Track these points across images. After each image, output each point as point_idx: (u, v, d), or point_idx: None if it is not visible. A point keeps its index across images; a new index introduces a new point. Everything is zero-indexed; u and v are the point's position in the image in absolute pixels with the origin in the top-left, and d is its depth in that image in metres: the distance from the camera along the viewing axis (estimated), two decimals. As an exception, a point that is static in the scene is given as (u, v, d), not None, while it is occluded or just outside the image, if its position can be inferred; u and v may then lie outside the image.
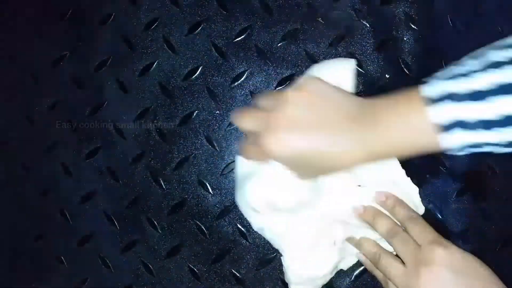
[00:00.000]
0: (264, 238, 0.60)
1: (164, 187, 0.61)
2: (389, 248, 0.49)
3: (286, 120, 0.42)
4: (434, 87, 0.38)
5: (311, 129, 0.41)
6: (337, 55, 0.60)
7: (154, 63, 0.62)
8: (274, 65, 0.61)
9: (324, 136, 0.41)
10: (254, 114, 0.45)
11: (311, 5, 0.60)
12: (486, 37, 0.62)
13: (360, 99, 0.43)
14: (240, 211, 0.60)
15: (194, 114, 0.61)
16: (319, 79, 0.44)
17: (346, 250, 0.52)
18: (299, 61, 0.60)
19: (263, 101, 0.46)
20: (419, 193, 0.51)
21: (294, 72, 0.60)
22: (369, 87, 0.60)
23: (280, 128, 0.42)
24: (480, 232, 0.58)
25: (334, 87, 0.44)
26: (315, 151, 0.41)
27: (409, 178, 0.50)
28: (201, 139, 0.61)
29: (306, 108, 0.42)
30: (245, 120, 0.46)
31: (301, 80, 0.45)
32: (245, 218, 0.60)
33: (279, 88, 0.61)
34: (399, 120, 0.39)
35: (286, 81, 0.60)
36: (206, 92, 0.61)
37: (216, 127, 0.61)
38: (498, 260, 0.58)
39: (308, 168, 0.44)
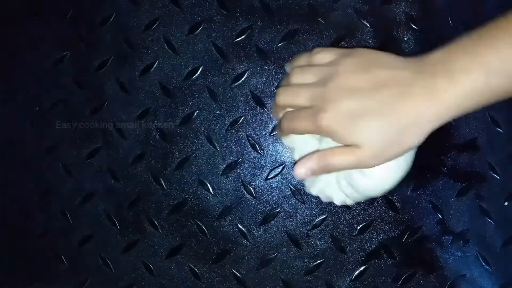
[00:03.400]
0: (265, 238, 0.60)
1: (164, 187, 0.61)
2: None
3: (343, 88, 0.36)
4: None
5: (373, 90, 0.36)
6: (337, 55, 0.60)
7: (154, 63, 0.62)
8: (274, 65, 0.61)
9: (388, 95, 0.36)
10: (302, 88, 0.39)
11: (311, 5, 0.61)
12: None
13: (412, 57, 0.38)
14: (240, 211, 0.61)
15: (195, 114, 0.61)
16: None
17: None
18: (300, 61, 0.60)
19: (304, 72, 0.40)
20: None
21: (294, 72, 0.60)
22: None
23: (338, 97, 0.36)
24: (480, 232, 0.59)
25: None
26: (383, 114, 0.36)
27: None
28: (201, 139, 0.61)
29: (363, 71, 0.37)
30: (291, 97, 0.39)
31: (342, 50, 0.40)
32: (246, 218, 0.61)
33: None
34: (476, 63, 0.34)
35: (286, 81, 0.60)
36: (206, 92, 0.61)
37: (216, 127, 0.61)
38: (498, 260, 0.58)
39: (377, 142, 0.37)
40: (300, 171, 0.40)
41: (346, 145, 0.38)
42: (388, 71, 0.37)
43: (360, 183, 0.42)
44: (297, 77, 0.40)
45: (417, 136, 0.37)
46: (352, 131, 0.37)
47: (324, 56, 0.41)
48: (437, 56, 0.37)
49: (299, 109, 0.40)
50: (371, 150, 0.37)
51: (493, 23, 0.36)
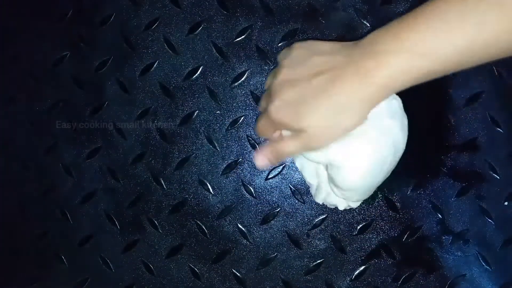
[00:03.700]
0: (265, 238, 0.60)
1: (164, 187, 0.61)
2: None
3: (284, 82, 0.41)
4: None
5: (308, 78, 0.40)
6: (337, 55, 0.60)
7: (154, 63, 0.62)
8: (274, 65, 0.61)
9: (323, 80, 0.40)
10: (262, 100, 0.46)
11: (311, 5, 0.61)
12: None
13: (349, 42, 0.42)
14: (240, 211, 0.61)
15: (195, 114, 0.61)
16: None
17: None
18: (300, 61, 0.60)
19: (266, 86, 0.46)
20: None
21: (294, 72, 0.61)
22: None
23: (279, 91, 0.41)
24: (480, 232, 0.59)
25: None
26: (319, 98, 0.40)
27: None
28: (201, 139, 0.61)
29: (300, 63, 0.41)
30: (260, 108, 0.46)
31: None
32: (246, 218, 0.61)
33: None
34: (399, 46, 0.37)
35: (286, 81, 0.61)
36: (206, 92, 0.61)
37: (216, 127, 0.61)
38: (498, 260, 0.58)
39: (319, 123, 0.41)
40: (259, 159, 0.46)
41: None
42: (323, 57, 0.41)
43: (340, 179, 0.45)
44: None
45: (354, 116, 0.40)
46: (295, 118, 0.41)
47: (280, 56, 0.46)
48: (367, 39, 0.40)
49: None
50: (313, 132, 0.41)
51: (421, 6, 0.38)
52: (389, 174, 0.47)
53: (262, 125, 0.45)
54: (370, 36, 0.40)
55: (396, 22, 0.39)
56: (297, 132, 0.42)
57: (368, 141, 0.43)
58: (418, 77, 0.38)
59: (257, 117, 0.48)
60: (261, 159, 0.46)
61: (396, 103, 0.46)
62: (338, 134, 0.42)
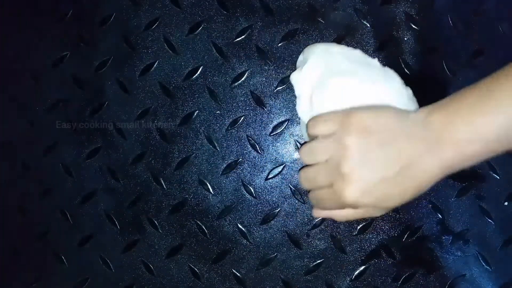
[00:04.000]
0: (265, 238, 0.60)
1: (164, 187, 0.61)
2: None
3: (357, 162, 0.39)
4: None
5: (385, 164, 0.39)
6: (337, 55, 0.60)
7: (154, 63, 0.62)
8: (274, 65, 0.61)
9: (399, 168, 0.39)
10: (318, 169, 0.42)
11: (311, 5, 0.61)
12: (486, 37, 0.62)
13: (414, 113, 0.41)
14: (240, 211, 0.61)
15: (195, 114, 0.61)
16: (362, 108, 0.42)
17: None
18: (300, 61, 0.61)
19: (313, 150, 0.42)
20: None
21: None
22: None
23: (355, 174, 0.39)
24: (480, 232, 0.59)
25: (381, 106, 0.41)
26: (396, 187, 0.39)
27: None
28: (201, 139, 0.61)
29: (368, 144, 0.39)
30: (311, 179, 0.42)
31: (345, 110, 0.42)
32: (246, 218, 0.60)
33: (280, 87, 0.61)
34: (478, 135, 0.37)
35: (286, 81, 0.60)
36: (206, 92, 0.61)
37: (216, 127, 0.61)
38: (498, 260, 0.58)
39: (391, 202, 0.41)
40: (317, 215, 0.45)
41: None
42: (395, 144, 0.39)
43: None
44: (309, 159, 0.43)
45: (424, 191, 0.40)
46: (379, 204, 0.40)
47: (324, 129, 0.42)
48: (437, 119, 0.39)
49: (322, 188, 0.43)
50: (382, 211, 0.41)
51: (487, 84, 0.37)
52: None
53: (325, 201, 0.43)
54: (441, 117, 0.38)
55: (466, 103, 0.38)
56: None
57: None
58: (488, 157, 0.39)
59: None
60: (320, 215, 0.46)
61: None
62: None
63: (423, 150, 0.38)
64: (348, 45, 0.60)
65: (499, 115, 0.36)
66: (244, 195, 0.61)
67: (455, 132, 0.37)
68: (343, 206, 0.41)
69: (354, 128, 0.40)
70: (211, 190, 0.61)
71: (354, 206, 0.41)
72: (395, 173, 0.39)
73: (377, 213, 0.42)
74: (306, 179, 0.43)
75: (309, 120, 0.43)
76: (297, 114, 0.61)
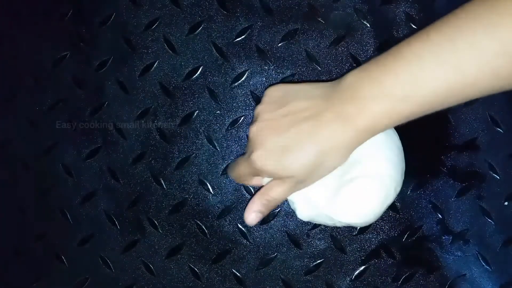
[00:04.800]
0: (265, 238, 0.60)
1: (164, 187, 0.61)
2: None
3: (265, 129, 0.42)
4: None
5: (290, 124, 0.41)
6: (337, 55, 0.60)
7: (154, 63, 0.62)
8: (274, 65, 0.61)
9: (305, 127, 0.40)
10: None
11: (311, 5, 0.61)
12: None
13: (327, 83, 0.43)
14: (240, 211, 0.61)
15: (195, 114, 0.61)
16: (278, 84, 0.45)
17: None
18: (299, 61, 0.61)
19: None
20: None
21: (294, 72, 0.61)
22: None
23: (261, 139, 0.42)
24: (480, 232, 0.59)
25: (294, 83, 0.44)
26: (304, 146, 0.40)
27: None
28: (201, 139, 0.61)
29: (279, 107, 0.42)
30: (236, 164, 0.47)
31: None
32: (246, 218, 0.60)
33: (279, 88, 0.61)
34: (379, 92, 0.38)
35: (286, 81, 0.60)
36: (206, 92, 0.61)
37: (216, 127, 0.61)
38: (498, 260, 0.58)
39: (305, 168, 0.42)
40: (250, 218, 0.47)
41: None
42: (302, 103, 0.41)
43: (344, 219, 0.47)
44: None
45: (338, 158, 0.42)
46: (281, 167, 0.41)
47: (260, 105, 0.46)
48: (346, 82, 0.40)
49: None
50: (300, 177, 0.42)
51: (397, 48, 0.38)
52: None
53: (241, 172, 0.46)
54: (349, 79, 0.40)
55: (374, 64, 0.39)
56: (283, 178, 0.43)
57: (371, 184, 0.45)
58: (399, 120, 0.39)
59: (229, 164, 0.50)
60: (254, 215, 0.47)
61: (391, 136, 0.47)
62: (324, 174, 0.43)
63: (323, 107, 0.39)
64: (348, 45, 0.60)
65: (404, 73, 0.36)
66: (244, 195, 0.61)
67: (361, 90, 0.38)
68: (253, 171, 0.43)
69: (269, 96, 0.43)
70: (211, 190, 0.61)
71: (265, 172, 0.42)
72: (294, 131, 0.40)
73: (299, 184, 0.43)
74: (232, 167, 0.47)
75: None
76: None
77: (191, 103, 0.62)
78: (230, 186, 0.61)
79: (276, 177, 0.44)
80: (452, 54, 0.35)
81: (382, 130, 0.40)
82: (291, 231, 0.60)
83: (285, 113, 0.41)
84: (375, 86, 0.37)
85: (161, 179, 0.62)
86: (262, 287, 0.60)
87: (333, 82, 0.42)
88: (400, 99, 0.37)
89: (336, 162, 0.43)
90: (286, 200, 0.60)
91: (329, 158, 0.41)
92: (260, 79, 0.61)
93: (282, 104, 0.42)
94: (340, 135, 0.39)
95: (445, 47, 0.35)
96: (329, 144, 0.40)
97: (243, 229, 0.60)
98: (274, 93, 0.44)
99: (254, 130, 0.43)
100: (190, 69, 0.62)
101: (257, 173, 0.44)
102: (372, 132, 0.40)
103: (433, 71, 0.35)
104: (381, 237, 0.59)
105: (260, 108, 0.44)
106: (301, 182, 0.44)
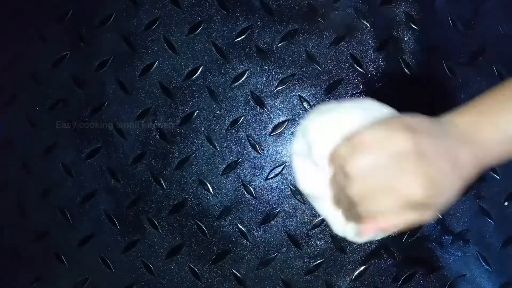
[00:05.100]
0: (265, 238, 0.60)
1: (164, 187, 0.61)
2: None
3: (414, 156, 0.37)
4: None
5: (438, 158, 0.38)
6: (337, 55, 0.60)
7: (154, 63, 0.62)
8: (274, 65, 0.61)
9: (448, 161, 0.38)
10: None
11: (311, 5, 0.61)
12: (486, 37, 0.62)
13: (437, 119, 0.40)
14: (240, 211, 0.61)
15: (195, 114, 0.61)
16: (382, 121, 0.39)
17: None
18: (299, 61, 0.61)
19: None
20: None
21: (294, 72, 0.61)
22: (369, 87, 0.60)
23: (417, 167, 0.37)
24: (480, 232, 0.59)
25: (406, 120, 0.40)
26: (449, 179, 0.39)
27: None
28: (201, 139, 0.61)
29: (418, 137, 0.38)
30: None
31: (365, 133, 0.38)
32: (246, 218, 0.61)
33: (280, 87, 0.61)
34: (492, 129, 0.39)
35: (286, 81, 0.60)
36: (206, 92, 0.61)
37: (216, 127, 0.61)
38: (498, 260, 0.58)
39: (445, 196, 0.40)
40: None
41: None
42: (439, 139, 0.39)
43: None
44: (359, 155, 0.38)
45: (462, 189, 0.40)
46: (434, 195, 0.38)
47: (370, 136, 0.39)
48: (464, 122, 0.40)
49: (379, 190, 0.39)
50: (436, 210, 0.39)
51: (498, 90, 0.40)
52: None
53: (383, 204, 0.38)
54: (463, 118, 0.40)
55: (486, 105, 0.39)
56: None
57: None
58: (504, 159, 0.39)
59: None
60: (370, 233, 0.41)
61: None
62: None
63: (459, 146, 0.39)
64: (348, 45, 0.60)
65: None
66: (244, 195, 0.61)
67: (481, 131, 0.39)
68: (408, 206, 0.37)
69: (400, 127, 0.38)
70: (211, 190, 0.61)
71: (421, 204, 0.37)
72: (447, 166, 0.39)
73: (430, 213, 0.39)
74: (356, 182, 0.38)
75: (341, 146, 0.39)
76: (297, 115, 0.61)
77: (191, 103, 0.62)
78: (230, 186, 0.61)
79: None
80: None
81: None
82: (291, 231, 0.60)
83: (432, 146, 0.38)
84: (494, 127, 0.39)
85: (161, 179, 0.62)
86: (262, 287, 0.60)
87: (440, 118, 0.40)
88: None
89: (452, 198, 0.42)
90: (286, 200, 0.60)
91: (456, 194, 0.40)
92: (260, 79, 0.61)
93: (423, 135, 0.38)
94: (470, 174, 0.39)
95: None
96: (465, 182, 0.39)
97: (243, 229, 0.60)
98: (405, 122, 0.38)
99: (407, 161, 0.37)
100: (190, 69, 0.62)
101: (413, 206, 0.39)
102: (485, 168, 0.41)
103: None
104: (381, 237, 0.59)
105: (400, 139, 0.38)
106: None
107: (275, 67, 0.61)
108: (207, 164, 0.61)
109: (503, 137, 0.39)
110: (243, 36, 0.61)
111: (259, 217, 0.60)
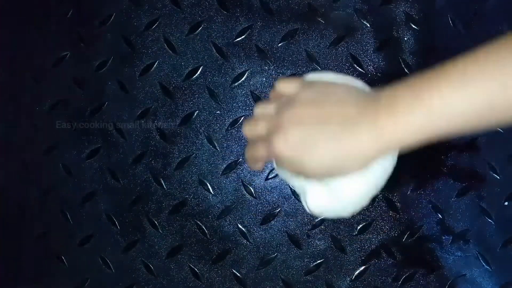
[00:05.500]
0: (265, 238, 0.60)
1: (164, 187, 0.61)
2: None
3: (296, 117, 0.40)
4: None
5: (320, 123, 0.39)
6: (337, 55, 0.60)
7: (154, 63, 0.62)
8: (274, 65, 0.61)
9: (334, 129, 0.39)
10: (261, 118, 0.43)
11: (311, 5, 0.61)
12: (486, 37, 0.62)
13: (371, 91, 0.42)
14: (240, 211, 0.61)
15: (195, 114, 0.61)
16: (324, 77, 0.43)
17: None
18: (299, 61, 0.61)
19: (266, 104, 0.44)
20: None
21: (294, 72, 0.61)
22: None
23: (289, 126, 0.40)
24: (480, 232, 0.59)
25: (342, 83, 0.43)
26: (328, 145, 0.39)
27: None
28: (201, 139, 0.61)
29: (314, 105, 0.40)
30: (252, 127, 0.43)
31: (306, 78, 0.44)
32: (246, 218, 0.61)
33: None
34: (418, 104, 0.37)
35: (286, 81, 0.61)
36: (206, 92, 0.61)
37: (216, 127, 0.61)
38: (498, 260, 0.58)
39: (321, 167, 0.41)
40: (257, 166, 0.45)
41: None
42: (337, 108, 0.40)
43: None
44: (260, 109, 0.44)
45: (358, 165, 0.40)
46: (300, 160, 0.40)
47: (286, 86, 0.44)
48: (386, 94, 0.39)
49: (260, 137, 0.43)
50: (312, 175, 0.41)
51: (441, 66, 0.37)
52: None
53: (257, 153, 0.44)
54: (387, 91, 0.39)
55: (414, 79, 0.38)
56: (296, 171, 0.42)
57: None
58: (429, 136, 0.37)
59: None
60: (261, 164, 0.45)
61: None
62: (335, 175, 0.42)
63: (355, 113, 0.39)
64: (348, 45, 0.60)
65: (447, 87, 0.36)
66: (244, 195, 0.61)
67: (400, 100, 0.38)
68: (270, 156, 0.41)
69: (309, 91, 0.41)
70: (211, 190, 0.61)
71: (282, 158, 0.41)
72: (320, 128, 0.39)
73: (307, 175, 0.41)
74: (248, 125, 0.44)
75: (279, 81, 0.44)
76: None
77: (191, 103, 0.62)
78: (230, 186, 0.61)
79: (290, 169, 0.43)
80: (498, 71, 0.35)
81: (407, 145, 0.38)
82: (291, 231, 0.60)
83: (317, 111, 0.40)
84: (415, 97, 0.37)
85: (161, 179, 0.62)
86: (262, 287, 0.60)
87: (371, 93, 0.41)
88: (438, 113, 0.36)
89: (355, 168, 0.41)
90: (286, 200, 0.60)
91: (349, 163, 0.40)
92: (260, 79, 0.61)
93: (318, 102, 0.41)
94: (370, 145, 0.38)
95: (491, 64, 0.35)
96: (356, 150, 0.39)
97: (243, 229, 0.60)
98: (313, 89, 0.42)
99: (285, 114, 0.41)
100: (190, 69, 0.62)
101: (271, 157, 0.42)
102: (397, 146, 0.39)
103: (476, 87, 0.35)
104: (381, 237, 0.59)
105: (297, 97, 0.42)
106: (309, 174, 0.42)
107: (275, 67, 0.61)
108: (207, 164, 0.61)
109: (417, 112, 0.37)
110: (243, 36, 0.61)
111: (259, 217, 0.60)
